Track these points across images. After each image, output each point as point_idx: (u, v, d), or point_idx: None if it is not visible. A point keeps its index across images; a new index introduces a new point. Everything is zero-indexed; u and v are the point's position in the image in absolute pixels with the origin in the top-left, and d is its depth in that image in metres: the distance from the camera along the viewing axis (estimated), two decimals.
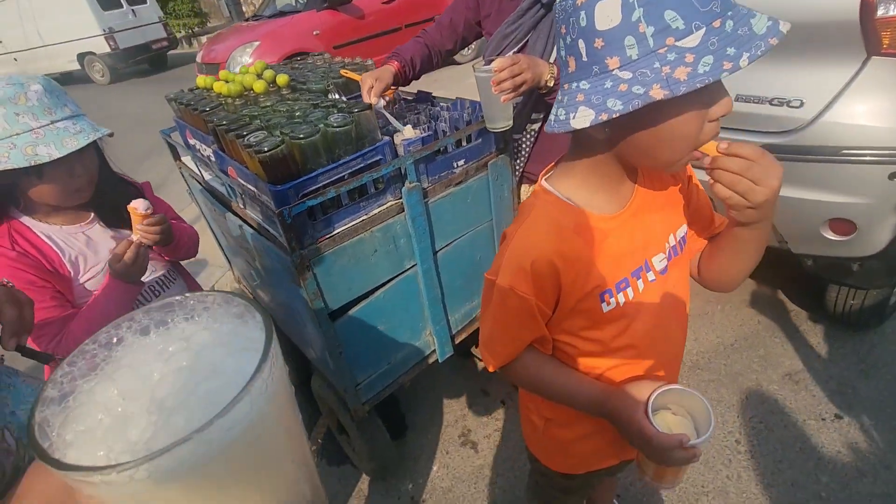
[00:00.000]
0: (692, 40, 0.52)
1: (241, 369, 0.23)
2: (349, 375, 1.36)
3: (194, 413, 0.22)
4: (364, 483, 1.78)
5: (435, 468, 1.79)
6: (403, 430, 1.92)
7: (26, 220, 1.06)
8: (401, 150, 1.27)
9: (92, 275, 1.09)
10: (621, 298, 0.74)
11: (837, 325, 2.00)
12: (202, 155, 1.54)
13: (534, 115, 1.49)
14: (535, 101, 1.43)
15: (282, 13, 6.23)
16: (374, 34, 6.07)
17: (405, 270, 1.37)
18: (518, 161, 1.58)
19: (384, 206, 1.27)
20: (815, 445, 1.62)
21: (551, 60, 1.31)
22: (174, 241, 1.21)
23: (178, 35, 12.68)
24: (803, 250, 1.77)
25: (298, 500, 0.28)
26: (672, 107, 0.56)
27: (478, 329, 1.46)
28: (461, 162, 1.39)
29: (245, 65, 1.75)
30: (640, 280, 0.75)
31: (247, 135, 1.17)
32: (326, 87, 1.56)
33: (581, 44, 0.57)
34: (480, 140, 1.41)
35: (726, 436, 1.69)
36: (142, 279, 1.11)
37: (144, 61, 10.22)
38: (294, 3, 6.36)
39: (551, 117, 0.64)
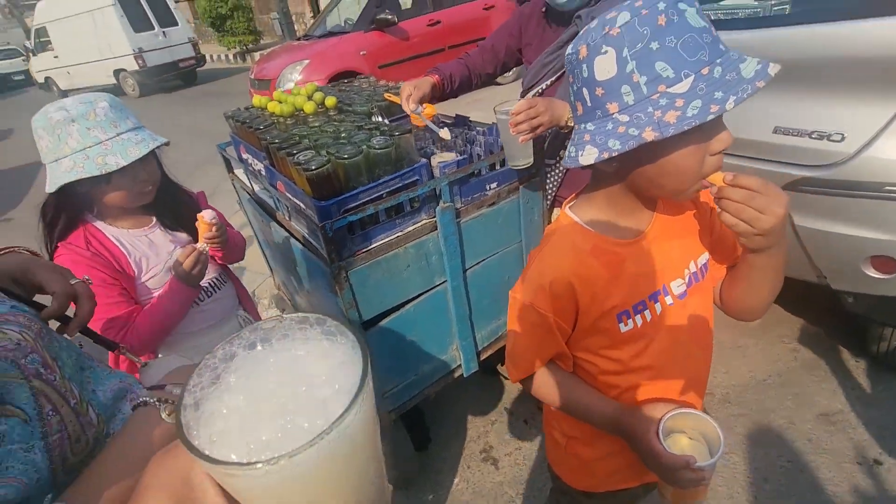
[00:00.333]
0: (682, 87, 0.58)
1: (344, 379, 0.27)
2: (377, 384, 1.42)
3: (313, 416, 0.26)
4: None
5: (456, 481, 1.82)
6: (427, 442, 1.96)
7: (99, 224, 1.19)
8: (436, 172, 1.34)
9: (153, 274, 1.20)
10: (639, 320, 0.78)
11: (880, 366, 1.91)
12: (253, 169, 1.66)
13: (567, 143, 1.53)
14: (568, 132, 1.48)
15: (331, 33, 6.52)
16: (417, 55, 6.29)
17: (435, 286, 1.43)
18: (550, 185, 1.63)
19: (418, 224, 1.34)
20: (849, 491, 1.56)
21: None
22: (227, 246, 1.32)
23: (233, 51, 13.48)
24: (843, 287, 1.72)
25: (374, 490, 0.33)
26: (672, 143, 0.61)
27: (503, 347, 1.50)
28: (494, 185, 1.45)
29: (295, 82, 1.88)
30: (658, 303, 0.78)
31: (296, 153, 1.27)
32: (370, 109, 1.66)
33: (585, 91, 0.65)
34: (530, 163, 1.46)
35: (753, 472, 1.65)
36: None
37: (172, 77, 11.41)
38: (343, 24, 6.67)
39: (566, 153, 0.71)
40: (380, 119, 1.64)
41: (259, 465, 0.23)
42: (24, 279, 0.76)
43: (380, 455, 0.33)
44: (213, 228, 1.20)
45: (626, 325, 0.77)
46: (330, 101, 1.74)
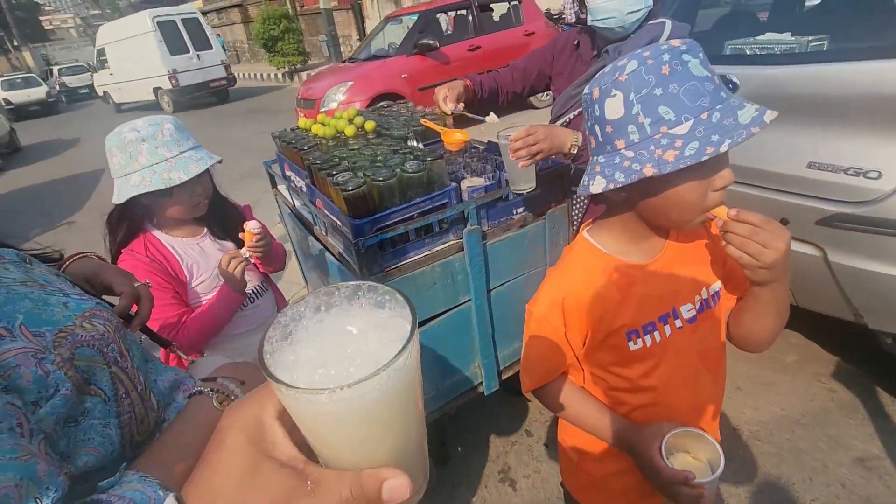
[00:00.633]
0: (682, 129, 0.64)
1: (396, 332, 0.32)
2: None
3: (369, 363, 0.30)
4: None
5: (473, 499, 1.83)
6: (446, 458, 1.99)
7: (157, 233, 1.31)
8: (465, 196, 1.41)
9: (202, 280, 1.31)
10: (648, 340, 0.82)
11: None
12: (295, 185, 1.77)
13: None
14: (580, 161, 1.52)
15: (375, 56, 6.82)
16: (456, 78, 6.45)
17: (460, 304, 1.49)
18: (576, 212, 1.67)
19: (446, 245, 1.40)
20: None
21: None
22: (269, 255, 1.42)
23: (282, 70, 14.23)
24: (881, 327, 1.67)
25: (418, 448, 0.36)
26: (676, 178, 0.67)
27: None
28: (520, 209, 1.51)
29: (338, 102, 2.00)
30: (668, 325, 0.82)
31: (335, 174, 1.36)
32: (407, 134, 1.76)
33: (597, 128, 0.72)
34: (539, 191, 1.52)
35: None
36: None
37: (205, 95, 12.74)
38: (387, 48, 6.95)
39: (581, 182, 0.77)
40: (415, 143, 1.73)
41: (327, 391, 0.28)
42: (96, 281, 0.87)
43: (423, 416, 0.36)
44: (255, 239, 1.31)
45: (635, 343, 0.82)
46: (369, 125, 1.84)
